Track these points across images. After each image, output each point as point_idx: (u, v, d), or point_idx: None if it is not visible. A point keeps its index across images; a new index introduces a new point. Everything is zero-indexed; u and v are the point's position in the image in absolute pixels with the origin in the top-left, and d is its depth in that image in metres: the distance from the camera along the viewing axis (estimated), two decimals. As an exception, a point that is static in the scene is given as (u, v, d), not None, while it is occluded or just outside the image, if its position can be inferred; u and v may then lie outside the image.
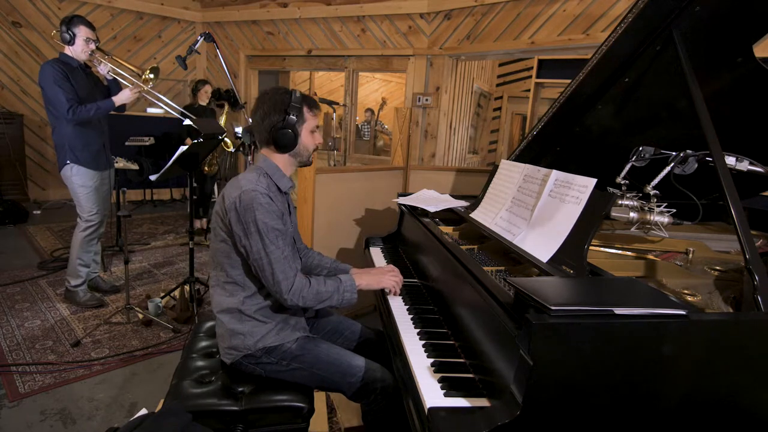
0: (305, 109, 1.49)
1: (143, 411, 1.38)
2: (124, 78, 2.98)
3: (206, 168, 4.65)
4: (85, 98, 2.79)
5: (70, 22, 2.74)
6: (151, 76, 2.98)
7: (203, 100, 4.65)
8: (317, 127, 1.54)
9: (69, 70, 2.75)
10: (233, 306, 1.48)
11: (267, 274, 1.39)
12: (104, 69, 2.86)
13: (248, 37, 6.56)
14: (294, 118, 1.46)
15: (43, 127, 5.88)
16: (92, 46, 2.81)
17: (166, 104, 3.32)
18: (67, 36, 2.74)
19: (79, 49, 2.78)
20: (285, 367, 1.47)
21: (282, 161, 1.53)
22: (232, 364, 1.51)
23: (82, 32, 2.76)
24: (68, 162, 2.84)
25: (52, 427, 1.93)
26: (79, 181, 2.88)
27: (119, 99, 2.84)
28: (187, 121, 3.13)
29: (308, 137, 1.52)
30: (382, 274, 1.65)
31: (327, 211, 2.75)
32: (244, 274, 1.47)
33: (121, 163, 4.65)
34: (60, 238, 4.47)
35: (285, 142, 1.47)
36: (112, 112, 3.08)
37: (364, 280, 1.58)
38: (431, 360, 1.22)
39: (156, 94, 3.19)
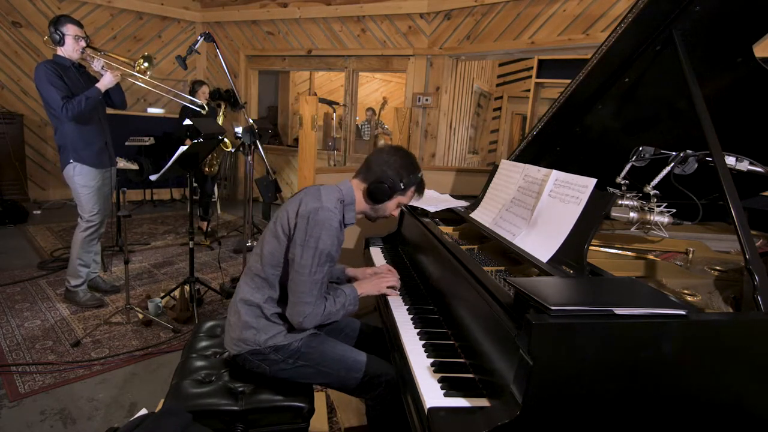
0: (412, 189, 1.59)
1: (143, 411, 1.39)
2: (119, 71, 2.98)
3: (207, 169, 4.65)
4: None
5: (57, 22, 2.75)
6: (146, 64, 2.98)
7: (201, 100, 4.65)
8: (405, 205, 1.65)
9: (62, 70, 2.75)
10: (255, 301, 1.50)
11: (298, 290, 1.42)
12: (98, 65, 2.85)
13: (248, 37, 6.56)
14: (401, 186, 1.54)
15: (43, 127, 5.88)
16: (82, 43, 2.81)
17: (176, 95, 3.32)
18: (57, 36, 2.74)
19: (70, 48, 2.78)
20: (291, 365, 1.48)
21: (360, 201, 1.58)
22: (236, 358, 1.51)
23: (69, 30, 2.76)
24: (71, 161, 2.85)
25: (52, 427, 1.93)
26: (82, 181, 2.88)
27: (102, 83, 2.81)
28: (187, 121, 3.13)
29: (393, 205, 1.60)
30: (379, 281, 1.68)
31: (327, 211, 2.74)
32: (278, 276, 1.49)
33: (121, 163, 4.66)
34: (60, 238, 4.47)
35: (376, 194, 1.54)
36: (113, 111, 3.09)
37: (364, 288, 1.63)
38: (431, 360, 1.23)
39: (160, 84, 3.18)
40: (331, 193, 1.50)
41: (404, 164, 1.55)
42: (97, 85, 2.80)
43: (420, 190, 1.63)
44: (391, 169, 1.53)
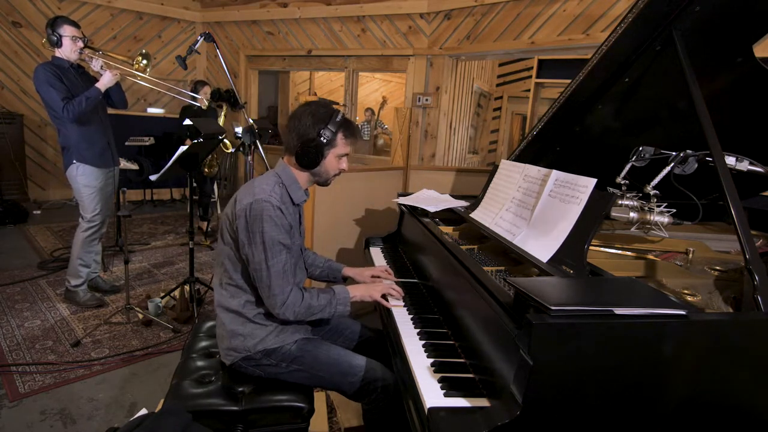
0: (340, 135, 1.45)
1: (143, 411, 1.38)
2: (120, 71, 2.98)
3: (207, 170, 4.64)
4: None
5: (53, 24, 2.74)
6: (144, 62, 2.98)
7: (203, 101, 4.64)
8: (347, 154, 1.51)
9: (61, 71, 2.75)
10: (234, 308, 1.48)
11: (264, 285, 1.40)
12: (97, 64, 2.85)
13: (248, 37, 6.56)
14: (324, 141, 1.42)
15: (43, 127, 5.88)
16: (80, 44, 2.80)
17: (177, 92, 3.32)
18: (54, 38, 2.73)
19: (68, 49, 2.78)
20: (284, 369, 1.47)
21: (299, 174, 1.50)
22: (231, 366, 1.51)
23: (67, 31, 2.76)
24: (74, 161, 2.85)
25: (52, 427, 1.93)
26: (84, 181, 2.88)
27: (102, 83, 2.81)
28: (187, 121, 3.13)
29: (333, 162, 1.49)
30: (373, 287, 1.61)
31: (327, 211, 2.75)
32: (246, 279, 1.47)
33: (121, 163, 4.65)
34: (60, 238, 4.47)
35: (306, 161, 1.44)
36: (113, 111, 3.09)
37: (358, 292, 1.56)
38: (431, 360, 1.23)
39: (159, 81, 3.18)
40: (265, 181, 1.44)
41: (316, 117, 1.42)
42: (97, 84, 2.79)
43: (350, 132, 1.47)
44: (305, 128, 1.42)
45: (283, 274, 1.39)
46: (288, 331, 1.51)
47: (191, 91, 4.75)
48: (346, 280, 1.83)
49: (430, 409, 1.01)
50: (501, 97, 8.27)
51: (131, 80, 3.07)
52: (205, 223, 4.81)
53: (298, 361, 1.47)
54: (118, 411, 2.05)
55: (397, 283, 1.70)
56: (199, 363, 1.60)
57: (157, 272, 3.75)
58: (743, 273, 1.04)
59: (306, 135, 1.42)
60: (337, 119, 1.44)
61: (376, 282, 1.71)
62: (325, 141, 1.42)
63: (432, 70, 5.28)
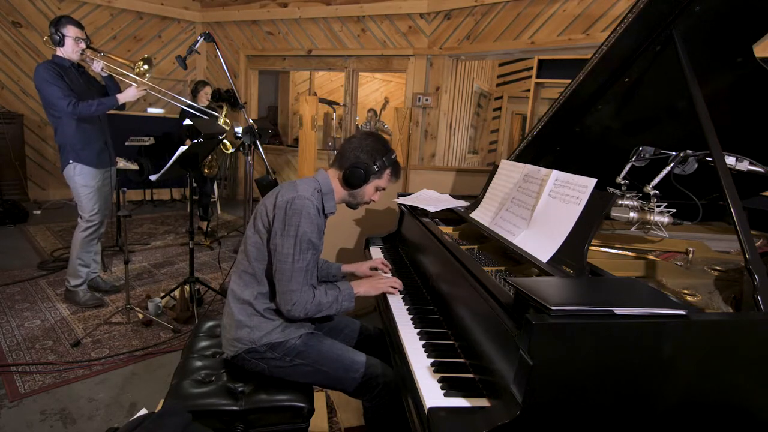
0: (387, 171, 1.60)
1: (143, 411, 1.39)
2: (118, 74, 2.98)
3: (206, 170, 4.64)
4: (80, 97, 2.79)
5: (57, 23, 2.74)
6: (145, 67, 2.98)
7: (203, 101, 4.64)
8: (383, 189, 1.64)
9: (62, 70, 2.75)
10: (245, 298, 1.50)
11: (284, 278, 1.43)
12: (98, 66, 2.86)
13: (248, 37, 6.57)
14: (375, 168, 1.55)
15: (43, 127, 5.88)
16: (82, 45, 2.81)
17: (172, 98, 3.33)
18: (57, 37, 2.74)
19: (69, 50, 2.78)
20: (288, 363, 1.48)
21: (338, 189, 1.59)
22: (234, 359, 1.51)
23: (70, 32, 2.76)
24: (71, 161, 2.85)
25: (52, 427, 1.93)
26: (82, 181, 2.88)
27: (124, 96, 2.83)
28: (187, 121, 3.13)
29: (371, 190, 1.61)
30: (378, 281, 1.67)
31: (327, 211, 2.74)
32: (265, 270, 1.50)
33: (121, 163, 4.65)
34: (60, 238, 4.47)
35: (352, 179, 1.55)
36: (112, 111, 3.09)
37: (362, 287, 1.61)
38: (431, 360, 1.22)
39: (159, 88, 3.19)
40: (307, 183, 1.52)
41: (376, 147, 1.56)
42: (118, 96, 2.84)
43: (396, 173, 1.63)
44: (363, 153, 1.54)
45: (305, 272, 1.44)
46: (293, 326, 1.53)
47: (192, 91, 4.76)
48: (344, 277, 1.85)
49: (430, 409, 1.01)
50: (501, 97, 8.27)
51: (129, 82, 3.06)
52: (205, 223, 4.81)
53: (302, 356, 1.48)
54: (118, 411, 2.05)
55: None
56: (199, 363, 1.60)
57: (157, 272, 3.75)
58: (743, 273, 1.04)
59: (360, 158, 1.54)
60: (392, 157, 1.60)
61: (377, 276, 1.75)
62: (376, 169, 1.55)
63: (432, 70, 5.29)
